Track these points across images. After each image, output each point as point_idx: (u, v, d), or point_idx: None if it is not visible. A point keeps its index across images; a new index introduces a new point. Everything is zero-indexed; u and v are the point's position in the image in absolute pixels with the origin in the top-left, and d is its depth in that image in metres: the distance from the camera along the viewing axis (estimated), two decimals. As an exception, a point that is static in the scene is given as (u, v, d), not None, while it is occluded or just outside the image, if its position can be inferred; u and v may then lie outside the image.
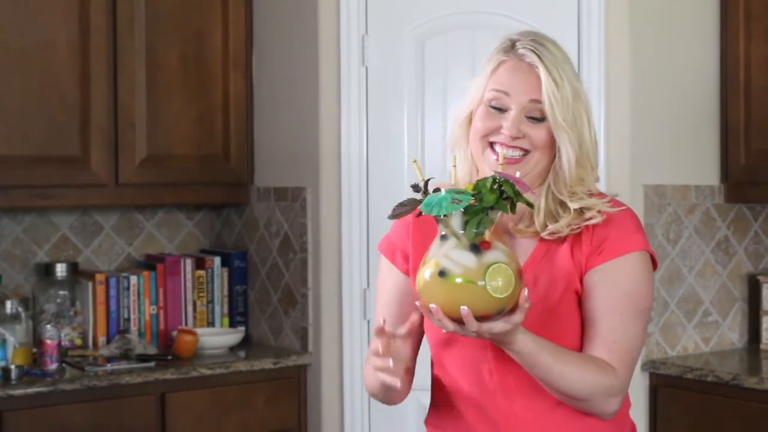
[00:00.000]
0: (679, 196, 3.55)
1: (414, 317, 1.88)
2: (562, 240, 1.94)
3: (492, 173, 1.79)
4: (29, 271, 3.78)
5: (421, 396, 3.29)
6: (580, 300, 1.93)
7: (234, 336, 3.78)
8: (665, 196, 3.51)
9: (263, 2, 3.86)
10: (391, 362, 1.82)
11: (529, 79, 1.93)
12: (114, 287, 3.73)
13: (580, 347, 1.92)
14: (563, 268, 1.93)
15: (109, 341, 3.69)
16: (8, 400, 3.18)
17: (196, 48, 3.77)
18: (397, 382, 1.83)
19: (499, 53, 1.97)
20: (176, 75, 3.73)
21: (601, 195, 1.97)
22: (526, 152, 1.94)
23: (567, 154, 1.93)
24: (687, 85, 3.57)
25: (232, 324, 3.95)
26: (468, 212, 1.71)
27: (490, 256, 1.71)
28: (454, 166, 1.88)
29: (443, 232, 1.75)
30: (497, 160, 1.87)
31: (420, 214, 1.74)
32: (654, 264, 1.97)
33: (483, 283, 1.69)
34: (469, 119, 1.99)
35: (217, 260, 3.93)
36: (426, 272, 1.74)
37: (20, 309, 3.42)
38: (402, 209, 1.79)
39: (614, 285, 1.91)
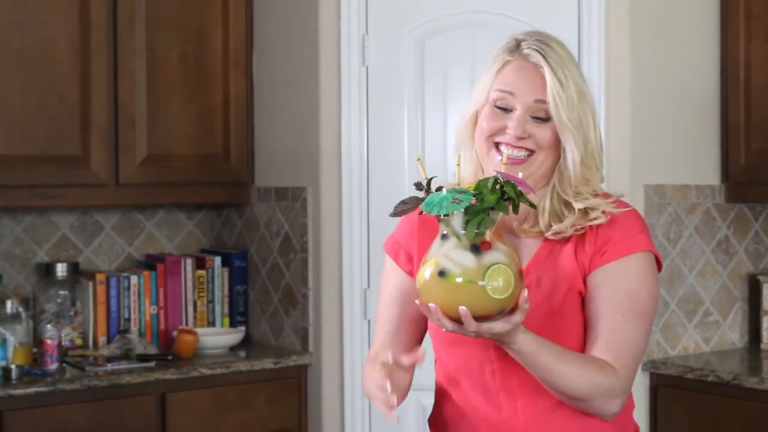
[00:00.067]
0: (680, 196, 3.55)
1: (419, 354, 1.83)
2: (566, 240, 1.94)
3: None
4: (29, 270, 3.77)
5: (421, 396, 3.31)
6: (584, 301, 1.93)
7: (234, 336, 3.78)
8: (665, 196, 3.51)
9: (263, 2, 3.85)
10: (389, 387, 1.78)
11: (534, 80, 1.93)
12: (114, 287, 3.73)
13: (583, 348, 1.92)
14: (567, 268, 1.92)
15: (109, 341, 3.69)
16: (8, 400, 3.18)
17: (197, 47, 3.77)
18: (394, 417, 1.77)
19: (505, 53, 1.97)
20: (176, 74, 3.73)
21: (606, 195, 1.97)
22: (531, 152, 1.94)
23: (572, 154, 1.93)
24: (687, 85, 3.57)
25: (233, 324, 3.95)
26: (469, 212, 1.71)
27: (490, 256, 1.71)
28: (458, 165, 1.87)
29: (444, 232, 1.75)
30: (502, 160, 1.86)
31: (422, 212, 1.74)
32: (659, 265, 1.96)
33: (483, 283, 1.69)
34: (475, 119, 1.99)
35: (218, 260, 3.93)
36: (426, 271, 1.74)
37: (20, 309, 3.41)
38: (404, 207, 1.79)
39: (617, 286, 1.90)
